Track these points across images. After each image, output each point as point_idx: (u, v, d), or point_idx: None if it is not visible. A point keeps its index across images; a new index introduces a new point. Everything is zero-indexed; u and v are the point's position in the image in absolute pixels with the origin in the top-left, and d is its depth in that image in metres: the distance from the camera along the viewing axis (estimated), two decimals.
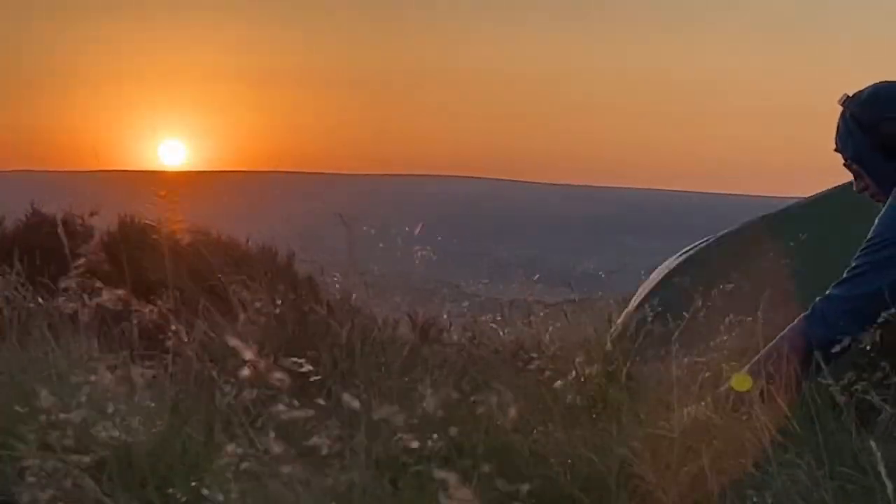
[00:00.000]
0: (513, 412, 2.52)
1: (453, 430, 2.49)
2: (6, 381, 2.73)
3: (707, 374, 2.68)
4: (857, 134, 3.06)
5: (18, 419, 2.38)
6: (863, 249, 2.97)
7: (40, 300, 3.00)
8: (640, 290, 4.65)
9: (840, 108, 3.12)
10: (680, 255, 4.71)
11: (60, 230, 2.91)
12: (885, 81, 3.11)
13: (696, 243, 4.74)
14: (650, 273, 4.87)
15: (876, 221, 2.99)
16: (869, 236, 2.98)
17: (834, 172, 3.32)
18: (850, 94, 3.12)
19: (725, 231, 4.68)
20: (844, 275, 2.96)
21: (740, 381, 2.44)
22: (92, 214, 6.00)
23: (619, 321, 4.21)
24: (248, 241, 6.80)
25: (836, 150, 3.15)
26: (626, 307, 4.64)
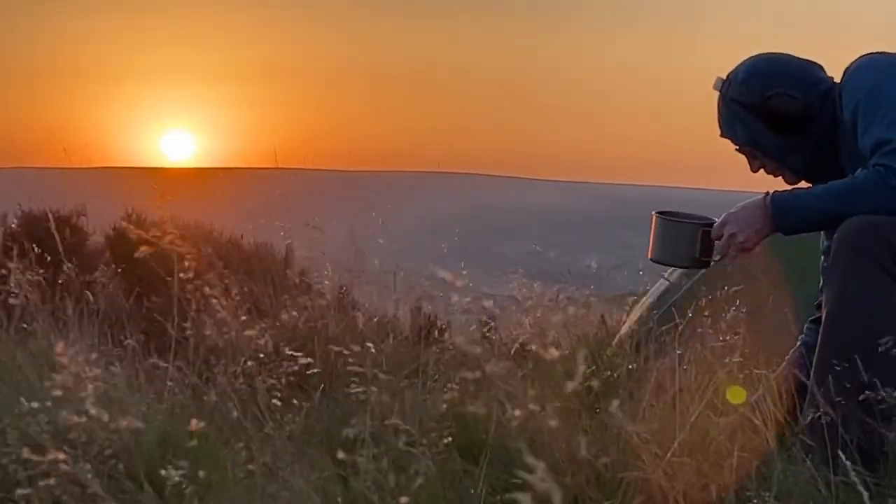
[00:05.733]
0: (514, 409, 2.52)
1: (454, 428, 2.49)
2: (6, 376, 2.73)
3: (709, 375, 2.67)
4: (743, 116, 2.93)
5: (18, 414, 2.38)
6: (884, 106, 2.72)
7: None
8: (652, 291, 4.65)
9: (717, 93, 2.98)
10: None
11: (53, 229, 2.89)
12: (760, 55, 2.99)
13: None
14: (649, 270, 4.87)
15: (870, 105, 2.74)
16: (875, 106, 2.74)
17: None
18: (725, 77, 2.99)
19: None
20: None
21: (734, 394, 2.43)
22: (80, 216, 5.96)
23: (630, 320, 4.19)
24: (242, 236, 6.78)
25: (721, 135, 3.03)
26: (628, 305, 4.64)
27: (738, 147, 3.03)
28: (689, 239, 2.84)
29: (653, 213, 2.92)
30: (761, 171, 3.04)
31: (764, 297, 3.65)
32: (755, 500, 2.20)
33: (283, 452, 2.32)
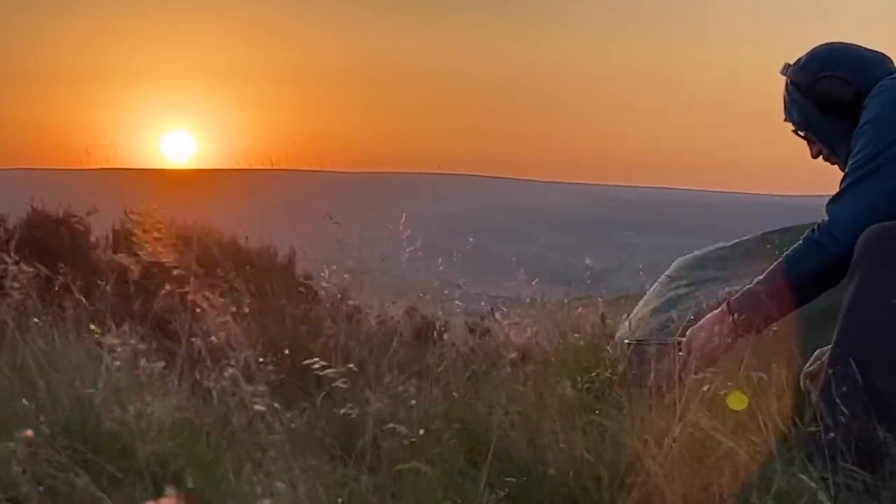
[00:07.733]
0: (514, 410, 2.52)
1: (452, 431, 2.49)
2: (6, 375, 2.72)
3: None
4: (798, 99, 2.98)
5: (22, 413, 2.38)
6: (854, 163, 2.74)
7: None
8: (652, 291, 4.64)
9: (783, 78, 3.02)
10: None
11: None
12: (826, 43, 3.02)
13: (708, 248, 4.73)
14: (649, 269, 4.87)
15: (857, 140, 2.77)
16: (856, 151, 2.76)
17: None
18: (792, 63, 3.03)
19: (722, 244, 4.67)
20: (841, 189, 2.75)
21: (735, 400, 2.43)
22: (89, 213, 5.96)
23: (632, 321, 4.19)
24: (246, 238, 6.76)
25: (785, 119, 3.07)
26: (628, 305, 4.63)
27: (794, 130, 3.05)
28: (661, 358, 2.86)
29: (626, 341, 2.98)
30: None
31: None
32: (755, 502, 2.20)
33: (282, 454, 2.32)
